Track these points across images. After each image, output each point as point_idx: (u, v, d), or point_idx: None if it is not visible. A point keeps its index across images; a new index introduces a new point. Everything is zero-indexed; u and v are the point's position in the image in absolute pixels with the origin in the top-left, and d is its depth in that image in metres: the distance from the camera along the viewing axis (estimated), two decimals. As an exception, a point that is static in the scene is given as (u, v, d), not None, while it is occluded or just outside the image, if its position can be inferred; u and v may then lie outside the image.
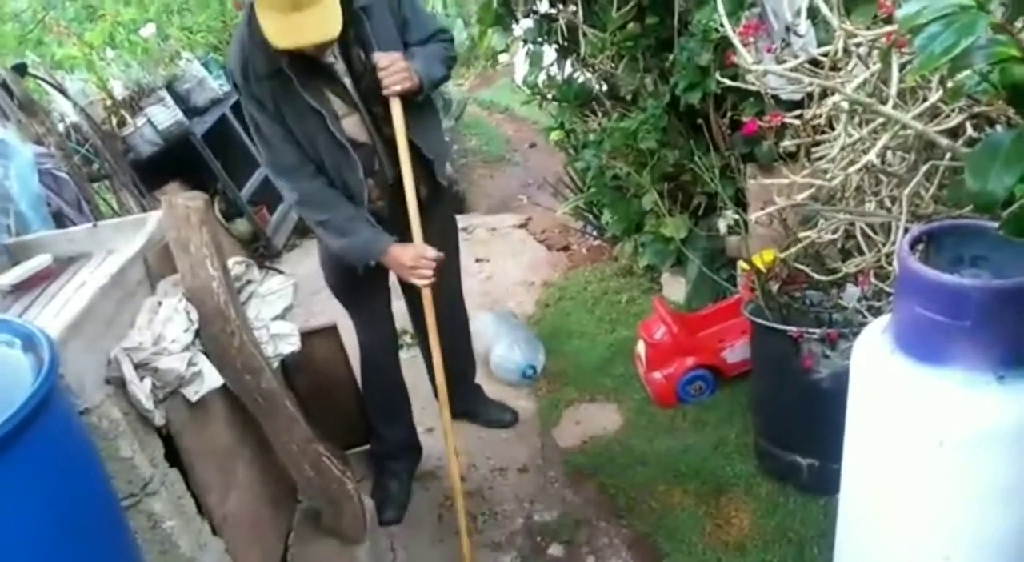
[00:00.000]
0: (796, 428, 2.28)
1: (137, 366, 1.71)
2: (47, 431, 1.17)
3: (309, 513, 2.38)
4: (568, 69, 3.70)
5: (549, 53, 3.73)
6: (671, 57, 3.05)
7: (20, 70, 3.74)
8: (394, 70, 2.00)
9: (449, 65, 2.25)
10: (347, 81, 2.09)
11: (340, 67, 2.08)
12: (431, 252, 2.16)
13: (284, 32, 1.85)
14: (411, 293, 2.42)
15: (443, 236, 2.39)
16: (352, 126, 2.12)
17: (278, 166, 2.14)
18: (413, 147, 2.13)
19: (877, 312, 1.93)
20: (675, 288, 3.49)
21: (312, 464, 2.17)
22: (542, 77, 3.77)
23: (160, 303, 1.89)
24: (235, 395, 2.04)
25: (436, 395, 2.34)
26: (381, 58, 2.01)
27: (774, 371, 2.32)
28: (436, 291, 2.23)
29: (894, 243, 1.85)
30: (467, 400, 2.87)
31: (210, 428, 1.96)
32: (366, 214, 2.18)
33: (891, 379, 1.39)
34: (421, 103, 2.17)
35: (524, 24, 3.69)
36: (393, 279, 2.45)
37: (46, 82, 4.09)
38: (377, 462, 2.68)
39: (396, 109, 2.05)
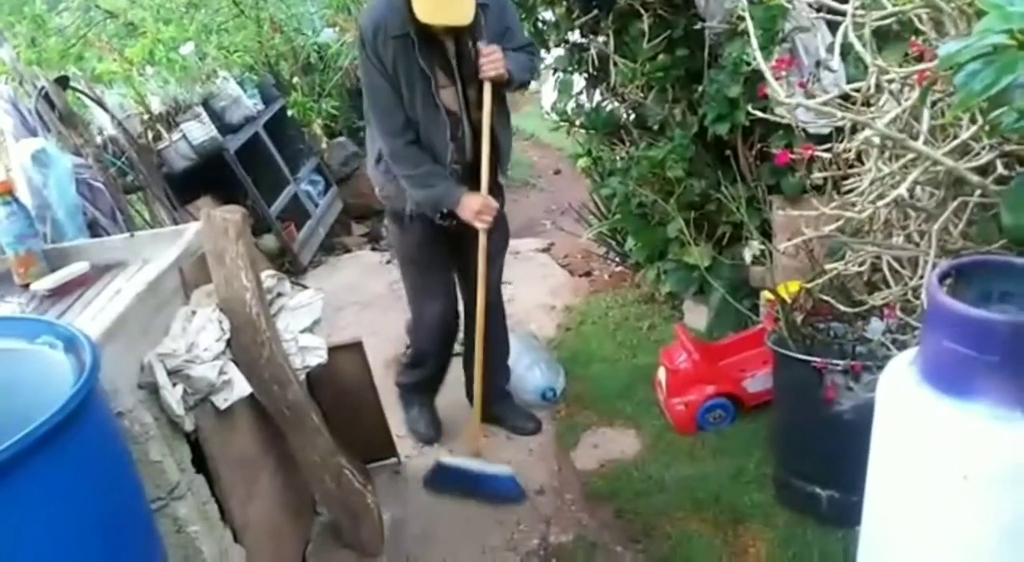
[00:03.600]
0: (816, 459, 2.27)
1: (170, 372, 1.75)
2: (87, 431, 1.20)
3: (327, 526, 2.40)
4: (597, 98, 3.75)
5: (579, 82, 3.78)
6: (700, 89, 3.09)
7: (62, 83, 3.84)
8: (493, 58, 2.40)
9: (531, 74, 2.67)
10: (453, 61, 2.46)
11: (451, 48, 2.44)
12: (494, 202, 2.57)
13: (431, 10, 2.27)
14: (468, 273, 2.78)
15: (496, 229, 2.72)
16: (448, 96, 2.48)
17: (384, 124, 2.49)
18: (493, 137, 2.54)
19: (902, 345, 1.93)
20: (697, 316, 3.50)
21: (333, 476, 2.20)
22: (571, 105, 3.81)
23: (194, 312, 1.93)
24: (261, 405, 2.07)
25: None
26: (486, 47, 2.40)
27: (796, 402, 2.32)
28: (486, 277, 2.68)
29: (921, 277, 1.85)
30: (496, 404, 3.05)
31: (236, 436, 1.99)
32: (445, 171, 2.54)
33: (917, 411, 1.40)
34: (505, 111, 2.64)
35: (555, 53, 3.75)
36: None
37: (86, 95, 4.19)
38: (404, 391, 3.09)
39: (487, 91, 2.45)
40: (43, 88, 3.64)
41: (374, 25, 2.35)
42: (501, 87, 2.50)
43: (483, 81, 2.43)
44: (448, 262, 2.83)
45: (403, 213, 2.65)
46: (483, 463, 2.73)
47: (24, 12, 4.52)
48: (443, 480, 2.72)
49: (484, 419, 2.98)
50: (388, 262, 4.88)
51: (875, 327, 2.09)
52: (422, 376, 3.06)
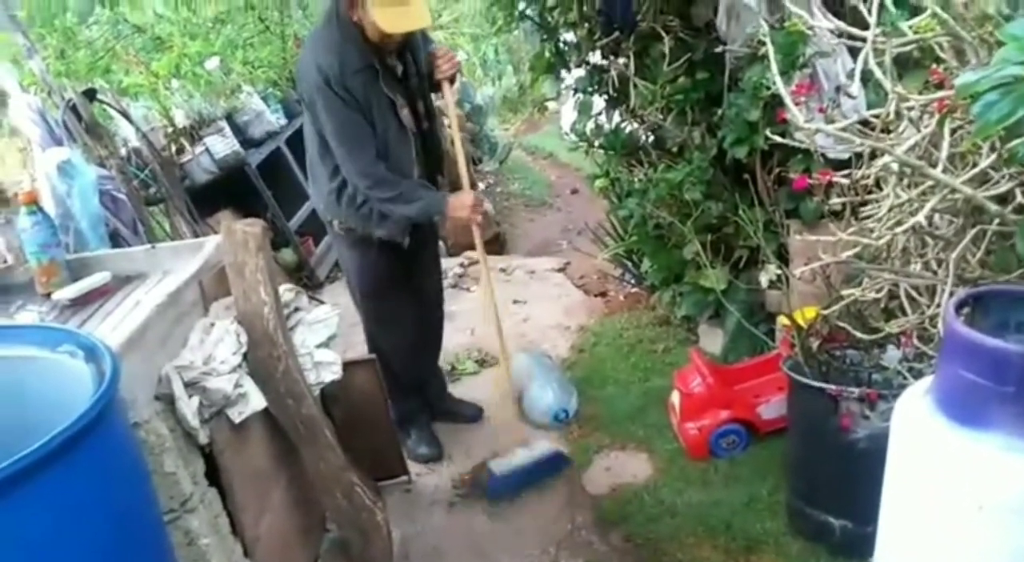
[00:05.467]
0: (830, 488, 2.25)
1: (187, 384, 1.76)
2: (106, 440, 1.21)
3: (337, 542, 2.39)
4: (616, 119, 3.77)
5: (598, 102, 3.80)
6: (720, 112, 3.10)
7: (90, 95, 3.91)
8: (450, 57, 2.58)
9: None
10: (403, 81, 2.58)
11: (399, 68, 2.56)
12: (483, 197, 2.66)
13: (395, 21, 2.34)
14: (424, 290, 3.02)
15: (433, 239, 3.02)
16: (406, 116, 2.60)
17: (361, 155, 2.49)
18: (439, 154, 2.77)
19: (918, 374, 1.92)
20: (712, 340, 3.48)
21: (344, 493, 2.20)
22: (590, 125, 3.83)
23: (212, 324, 1.95)
24: (275, 419, 2.08)
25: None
26: (438, 49, 2.59)
27: (810, 429, 2.30)
28: (433, 285, 3.08)
29: (938, 306, 1.84)
30: (443, 400, 3.27)
31: (250, 450, 2.00)
32: (420, 183, 2.64)
33: (932, 441, 1.39)
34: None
35: (575, 74, 3.77)
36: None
37: (112, 107, 4.25)
38: (400, 424, 2.95)
39: (448, 89, 2.62)
40: (70, 100, 3.71)
41: (338, 63, 2.39)
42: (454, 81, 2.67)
43: (441, 82, 2.58)
44: (408, 283, 2.91)
45: (370, 240, 2.70)
46: (528, 451, 2.83)
47: (55, 25, 4.60)
48: (503, 485, 2.75)
49: (437, 417, 3.21)
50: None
51: (891, 355, 2.08)
52: (411, 403, 3.07)
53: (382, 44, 2.43)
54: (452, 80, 2.63)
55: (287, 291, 2.20)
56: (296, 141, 5.30)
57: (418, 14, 2.40)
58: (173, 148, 4.50)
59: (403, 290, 2.88)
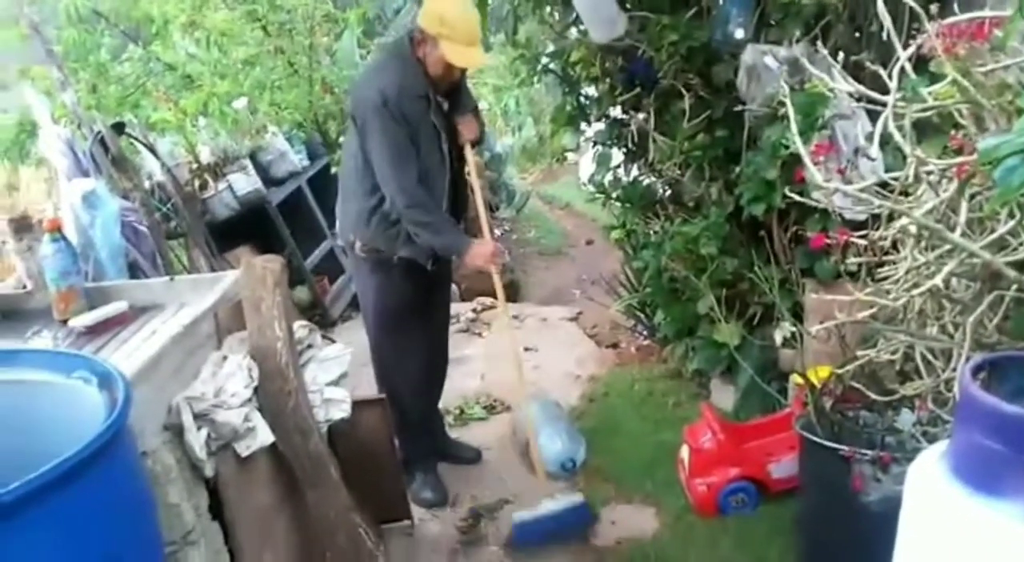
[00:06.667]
0: (841, 552, 2.20)
1: (196, 416, 1.76)
2: (115, 467, 1.22)
3: (337, 585, 2.36)
4: (635, 172, 3.81)
5: (617, 156, 3.84)
6: (737, 169, 3.12)
7: (118, 128, 3.99)
8: (471, 124, 2.79)
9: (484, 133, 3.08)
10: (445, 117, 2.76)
11: (446, 106, 2.75)
12: (502, 248, 2.76)
13: (463, 57, 2.61)
14: (435, 319, 3.12)
15: (448, 269, 3.10)
16: (446, 149, 2.76)
17: (404, 175, 2.63)
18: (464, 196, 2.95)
19: (932, 438, 1.89)
20: (724, 396, 3.45)
21: (347, 533, 2.18)
22: (608, 177, 3.87)
23: (225, 358, 1.96)
24: (282, 456, 2.07)
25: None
26: (462, 119, 2.77)
27: (822, 490, 2.26)
28: (444, 315, 3.22)
29: (954, 369, 1.83)
30: (442, 440, 3.28)
31: (254, 485, 1.99)
32: (451, 219, 2.78)
33: (946, 507, 1.36)
34: None
35: (595, 127, 3.82)
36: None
37: (140, 142, 4.33)
38: (406, 465, 2.93)
39: (469, 151, 2.83)
40: (99, 132, 3.78)
41: (398, 88, 2.59)
42: (477, 144, 2.93)
43: (464, 144, 2.79)
44: (424, 310, 2.99)
45: (391, 262, 2.78)
46: (553, 502, 2.78)
47: (89, 60, 4.72)
48: (526, 536, 2.71)
49: (440, 457, 3.19)
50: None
51: (905, 418, 2.05)
52: (422, 440, 3.06)
53: (439, 80, 2.65)
54: (474, 144, 2.85)
55: (301, 328, 2.21)
56: (317, 181, 5.38)
57: (480, 55, 2.71)
58: (196, 183, 4.57)
59: (419, 317, 2.94)
